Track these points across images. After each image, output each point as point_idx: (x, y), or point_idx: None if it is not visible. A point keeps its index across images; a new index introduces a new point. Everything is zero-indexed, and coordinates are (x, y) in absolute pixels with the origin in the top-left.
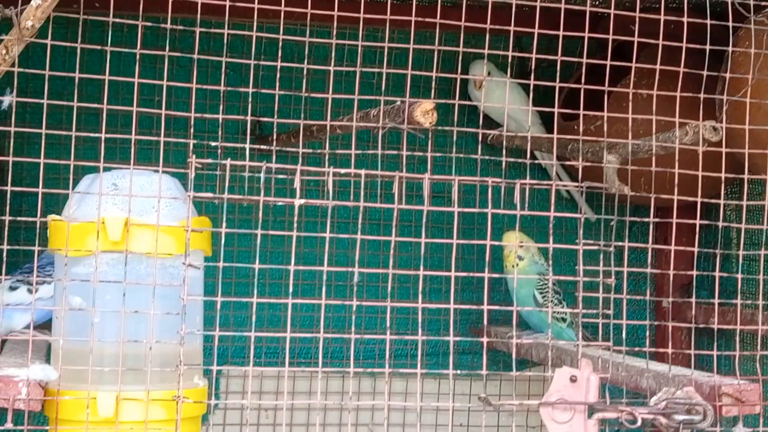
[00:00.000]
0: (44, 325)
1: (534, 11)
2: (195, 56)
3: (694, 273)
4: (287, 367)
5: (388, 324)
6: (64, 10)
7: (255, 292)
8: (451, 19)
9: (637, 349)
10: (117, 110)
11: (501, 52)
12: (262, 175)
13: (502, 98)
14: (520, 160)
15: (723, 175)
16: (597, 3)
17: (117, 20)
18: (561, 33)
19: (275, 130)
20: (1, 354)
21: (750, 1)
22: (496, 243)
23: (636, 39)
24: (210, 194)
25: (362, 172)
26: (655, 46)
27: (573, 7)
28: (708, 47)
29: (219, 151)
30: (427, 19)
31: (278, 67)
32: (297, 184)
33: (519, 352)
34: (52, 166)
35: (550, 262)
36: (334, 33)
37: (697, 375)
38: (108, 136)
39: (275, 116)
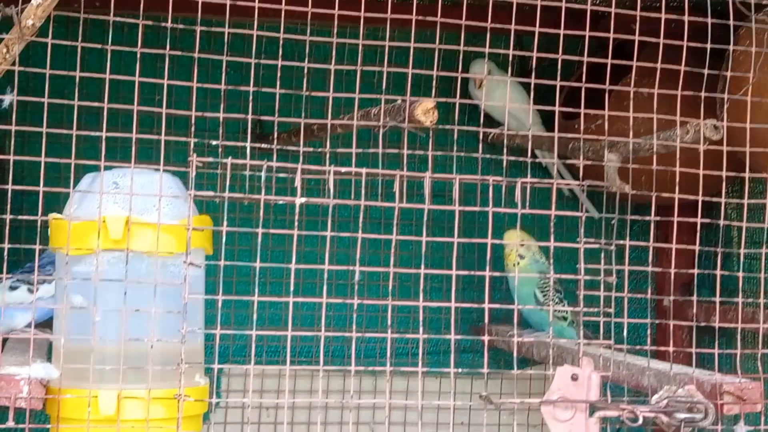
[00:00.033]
0: (45, 324)
1: (535, 10)
2: (195, 55)
3: (695, 271)
4: (288, 365)
5: (389, 322)
6: (65, 9)
7: (256, 290)
8: (451, 17)
9: (638, 347)
10: (118, 109)
11: (502, 51)
12: (263, 173)
13: (502, 97)
14: (521, 159)
15: (724, 173)
16: (598, 2)
17: (117, 19)
18: (562, 32)
19: (276, 128)
20: (2, 353)
21: None
22: (497, 242)
23: (637, 38)
24: (211, 193)
25: (363, 170)
26: (655, 45)
27: (574, 5)
28: (709, 46)
29: (220, 149)
30: (428, 18)
31: (279, 66)
32: (298, 183)
33: (520, 351)
34: (53, 164)
35: (551, 261)
36: (335, 32)
37: (698, 373)
38: (109, 134)
39: (276, 115)
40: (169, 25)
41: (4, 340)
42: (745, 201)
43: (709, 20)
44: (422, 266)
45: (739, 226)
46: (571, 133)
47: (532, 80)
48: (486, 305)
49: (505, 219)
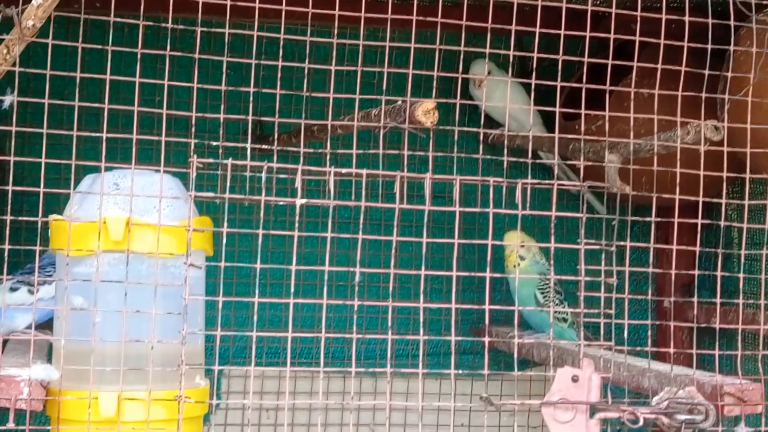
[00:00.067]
0: (45, 325)
1: (535, 10)
2: (196, 56)
3: (696, 273)
4: (288, 367)
5: (389, 324)
6: (65, 10)
7: (256, 292)
8: (452, 18)
9: (638, 348)
10: (118, 110)
11: (502, 52)
12: (263, 174)
13: (502, 98)
14: (521, 160)
15: (725, 174)
16: (598, 2)
17: (118, 20)
18: (562, 32)
19: (276, 129)
20: (2, 354)
21: (751, 0)
22: (498, 243)
23: (637, 38)
24: (211, 194)
25: (363, 171)
26: (656, 46)
27: (574, 6)
28: (709, 46)
29: (220, 150)
30: (428, 19)
31: (279, 67)
32: (298, 184)
33: (520, 352)
34: (54, 165)
35: (552, 262)
36: (335, 32)
37: (699, 375)
38: (109, 135)
39: (276, 116)
40: (169, 25)
41: (5, 342)
42: (746, 202)
43: (710, 20)
44: (423, 267)
45: (740, 227)
46: (571, 134)
47: (533, 81)
48: (486, 306)
49: (505, 220)
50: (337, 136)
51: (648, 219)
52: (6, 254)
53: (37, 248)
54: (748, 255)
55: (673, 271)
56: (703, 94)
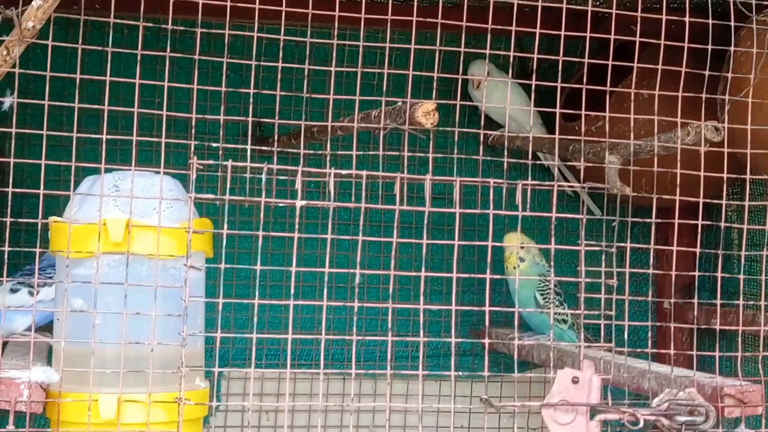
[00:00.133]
0: (45, 327)
1: (535, 11)
2: (196, 57)
3: (696, 274)
4: (288, 368)
5: (389, 325)
6: (65, 11)
7: (256, 293)
8: (452, 19)
9: (638, 350)
10: (118, 111)
11: (502, 53)
12: (263, 176)
13: (501, 99)
14: (521, 161)
15: (725, 175)
16: (598, 3)
17: (118, 21)
18: (562, 33)
19: (276, 131)
20: (2, 356)
21: (752, 0)
22: (498, 244)
23: (637, 39)
24: (211, 195)
25: (363, 173)
26: (656, 46)
27: (574, 7)
28: (710, 47)
29: (220, 152)
30: (428, 20)
31: (279, 68)
32: (298, 186)
33: (520, 354)
34: (53, 167)
35: (552, 263)
36: (335, 34)
37: (699, 376)
38: (109, 137)
39: (276, 117)
40: (169, 27)
41: (4, 344)
42: (746, 203)
43: (710, 21)
44: (423, 269)
45: (740, 228)
46: (571, 135)
47: (533, 81)
48: (486, 308)
49: (505, 221)
50: (337, 138)
51: (648, 220)
52: (6, 256)
53: (37, 250)
54: (749, 256)
55: (673, 273)
56: (704, 95)
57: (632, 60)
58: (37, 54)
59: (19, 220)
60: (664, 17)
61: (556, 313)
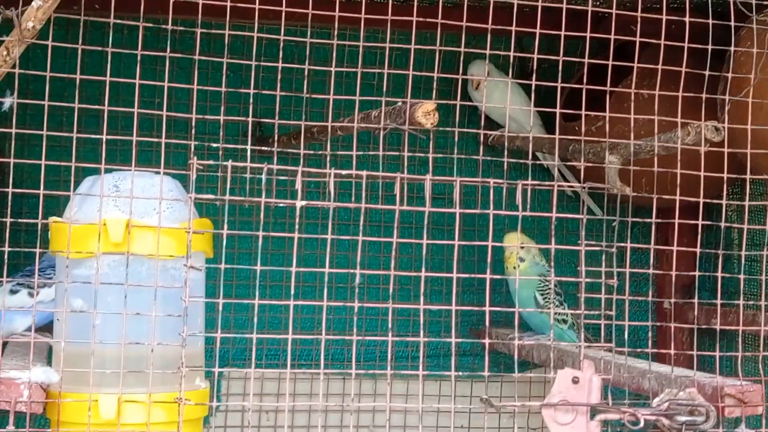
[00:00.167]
0: (45, 328)
1: (535, 11)
2: (196, 57)
3: (696, 274)
4: (288, 369)
5: (389, 326)
6: (65, 12)
7: (256, 293)
8: (451, 19)
9: (638, 350)
10: (118, 112)
11: (502, 53)
12: (263, 176)
13: (501, 99)
14: (521, 161)
15: (725, 175)
16: (598, 3)
17: (117, 21)
18: (562, 33)
19: (276, 131)
20: (2, 356)
21: (752, 0)
22: (498, 244)
23: (637, 39)
24: (211, 196)
25: (363, 173)
26: (656, 46)
27: (574, 7)
28: (710, 47)
29: (220, 152)
30: (428, 20)
31: (279, 69)
32: (298, 186)
33: (520, 354)
34: (53, 167)
35: (552, 263)
36: (335, 34)
37: (699, 376)
38: (109, 137)
39: (276, 118)
40: (169, 27)
41: (5, 344)
42: (746, 203)
43: (710, 21)
44: (423, 269)
45: (740, 228)
46: (571, 135)
47: (533, 82)
48: (486, 308)
49: (505, 221)
50: (337, 138)
51: (648, 220)
52: (6, 256)
53: (37, 250)
54: (749, 256)
55: (673, 272)
56: (704, 95)
57: (632, 60)
58: (37, 54)
59: (19, 220)
60: (664, 17)
61: (556, 313)
